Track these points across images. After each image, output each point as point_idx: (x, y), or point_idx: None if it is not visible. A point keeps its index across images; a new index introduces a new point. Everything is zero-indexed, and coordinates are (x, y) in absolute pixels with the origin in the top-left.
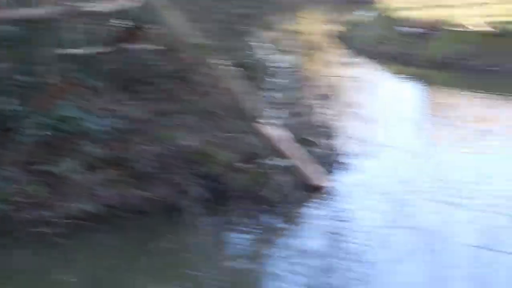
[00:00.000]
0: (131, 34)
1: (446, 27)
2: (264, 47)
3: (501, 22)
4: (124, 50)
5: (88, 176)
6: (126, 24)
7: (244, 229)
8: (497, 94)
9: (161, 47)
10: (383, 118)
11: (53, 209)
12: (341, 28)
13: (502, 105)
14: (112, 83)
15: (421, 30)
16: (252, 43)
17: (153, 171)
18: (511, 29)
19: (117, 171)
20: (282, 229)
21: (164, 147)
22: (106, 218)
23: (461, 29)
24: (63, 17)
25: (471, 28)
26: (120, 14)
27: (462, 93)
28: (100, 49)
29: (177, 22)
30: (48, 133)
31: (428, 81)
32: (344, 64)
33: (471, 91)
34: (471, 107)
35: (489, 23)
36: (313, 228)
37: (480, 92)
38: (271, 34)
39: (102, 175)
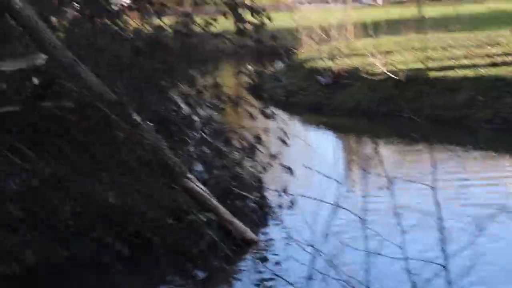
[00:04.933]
0: (44, 91)
1: (358, 75)
2: (185, 101)
3: (405, 70)
4: (38, 107)
5: (6, 237)
6: (38, 81)
7: (170, 285)
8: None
9: (75, 103)
10: (303, 169)
11: None
12: (258, 80)
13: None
14: (27, 140)
15: (332, 80)
16: (172, 98)
17: (73, 230)
18: (413, 76)
19: (36, 231)
20: (212, 284)
21: (83, 204)
22: (26, 279)
23: (371, 77)
24: None
25: (380, 76)
26: (32, 71)
27: (376, 140)
28: (13, 108)
29: (91, 78)
30: None
31: (342, 129)
32: (262, 115)
33: (384, 137)
34: (385, 154)
35: (396, 71)
36: (244, 281)
37: (392, 138)
38: (192, 88)
39: (20, 236)
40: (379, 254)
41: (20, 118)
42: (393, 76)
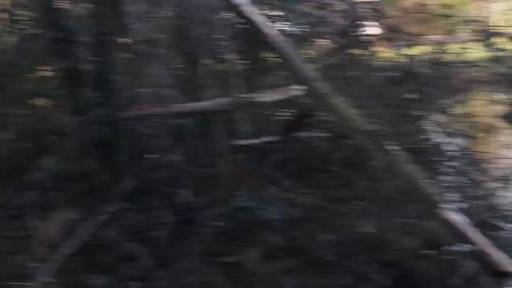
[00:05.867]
0: (301, 122)
1: None
2: (437, 130)
3: None
4: (295, 139)
5: (268, 265)
6: (295, 112)
7: None
8: None
9: (331, 134)
10: None
11: None
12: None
13: None
14: (286, 171)
15: None
16: (425, 127)
17: (332, 259)
18: None
19: (297, 260)
20: None
21: (342, 234)
22: None
23: None
24: (233, 109)
25: None
26: (289, 102)
27: None
28: (271, 139)
29: (345, 108)
30: (227, 224)
31: None
32: None
33: None
34: None
35: None
36: None
37: None
38: (443, 117)
39: (282, 264)
40: None
41: (278, 149)
42: None
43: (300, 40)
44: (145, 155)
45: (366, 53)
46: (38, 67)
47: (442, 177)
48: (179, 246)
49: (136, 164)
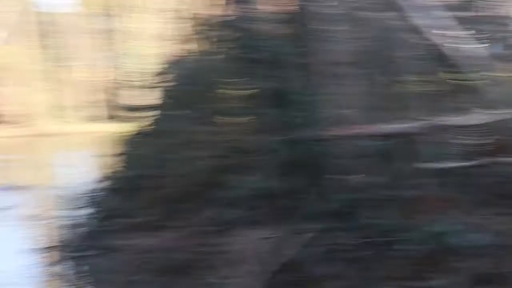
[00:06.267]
0: (499, 147)
1: None
2: None
3: None
4: (493, 163)
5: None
6: (492, 137)
7: None
8: None
9: None
10: None
11: None
12: None
13: None
14: (483, 197)
15: None
16: None
17: None
18: None
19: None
20: None
21: None
22: None
23: None
24: (426, 132)
25: None
26: (485, 126)
27: None
28: (467, 163)
29: None
30: (427, 248)
31: None
32: None
33: None
34: None
35: None
36: None
37: None
38: None
39: None
40: None
41: (477, 173)
42: None
43: (493, 61)
44: (346, 176)
45: None
46: (235, 87)
47: None
48: (379, 268)
49: (337, 184)
